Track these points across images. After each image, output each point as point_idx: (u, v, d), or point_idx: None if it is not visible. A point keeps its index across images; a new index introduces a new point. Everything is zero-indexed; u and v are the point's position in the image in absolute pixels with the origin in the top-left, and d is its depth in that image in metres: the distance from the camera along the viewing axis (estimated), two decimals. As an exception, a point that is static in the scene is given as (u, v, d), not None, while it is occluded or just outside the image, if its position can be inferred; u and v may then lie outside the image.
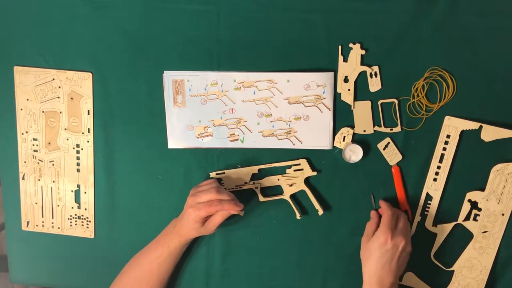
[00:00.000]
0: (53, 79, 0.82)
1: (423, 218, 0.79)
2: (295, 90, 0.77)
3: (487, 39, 0.74)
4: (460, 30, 0.74)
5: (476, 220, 0.77)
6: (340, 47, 0.76)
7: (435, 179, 0.77)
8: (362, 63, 0.76)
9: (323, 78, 0.76)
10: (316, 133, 0.78)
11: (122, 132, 0.83)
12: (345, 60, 0.76)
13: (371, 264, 0.71)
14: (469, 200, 0.77)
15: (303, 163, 0.79)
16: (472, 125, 0.75)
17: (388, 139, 0.78)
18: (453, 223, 0.78)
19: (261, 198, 0.81)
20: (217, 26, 0.78)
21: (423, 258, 0.80)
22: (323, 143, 0.79)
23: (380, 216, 0.75)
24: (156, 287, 0.78)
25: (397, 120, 0.77)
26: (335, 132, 0.78)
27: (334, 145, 0.79)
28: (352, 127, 0.78)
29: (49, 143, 0.84)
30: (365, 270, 0.72)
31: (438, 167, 0.77)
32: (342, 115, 0.78)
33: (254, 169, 0.80)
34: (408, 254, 0.73)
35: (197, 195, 0.73)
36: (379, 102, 0.77)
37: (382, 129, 0.77)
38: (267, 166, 0.80)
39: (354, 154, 0.78)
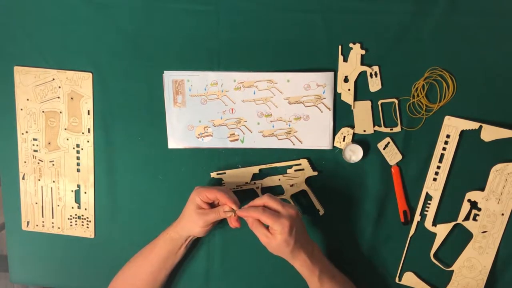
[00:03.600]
0: (53, 79, 0.82)
1: (423, 218, 0.79)
2: (295, 90, 0.77)
3: (487, 39, 0.74)
4: (460, 30, 0.74)
5: (476, 220, 0.77)
6: (340, 47, 0.76)
7: (435, 179, 0.77)
8: (362, 63, 0.76)
9: (323, 78, 0.76)
10: (316, 133, 0.78)
11: (122, 132, 0.83)
12: (345, 60, 0.76)
13: (290, 249, 0.69)
14: (469, 200, 0.77)
15: (304, 163, 0.79)
16: (472, 125, 0.75)
17: (388, 139, 0.78)
18: (453, 223, 0.78)
19: (261, 198, 0.81)
20: (217, 26, 0.78)
21: (423, 258, 0.80)
22: (323, 143, 0.79)
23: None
24: (150, 284, 0.78)
25: (397, 120, 0.77)
26: (335, 132, 0.78)
27: (334, 145, 0.79)
28: (352, 127, 0.78)
29: (49, 143, 0.84)
30: (291, 257, 0.71)
31: (438, 167, 0.77)
32: (342, 115, 0.78)
33: (255, 169, 0.81)
34: (295, 220, 0.69)
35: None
36: (379, 102, 0.77)
37: (382, 129, 0.77)
38: (268, 166, 0.80)
39: (354, 154, 0.78)
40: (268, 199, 0.70)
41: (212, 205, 0.75)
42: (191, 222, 0.74)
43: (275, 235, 0.68)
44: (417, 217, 0.79)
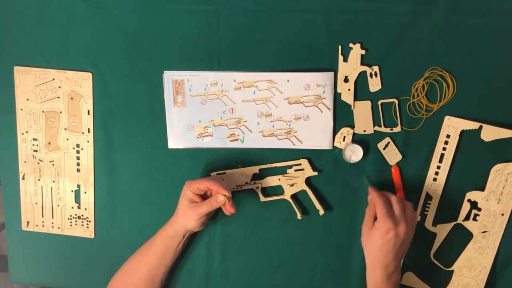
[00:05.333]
0: (53, 79, 0.82)
1: (423, 218, 0.79)
2: (295, 90, 0.77)
3: (487, 39, 0.74)
4: (460, 30, 0.74)
5: (476, 220, 0.77)
6: (340, 47, 0.76)
7: (435, 179, 0.77)
8: (362, 63, 0.76)
9: (323, 78, 0.76)
10: (316, 133, 0.78)
11: (122, 132, 0.83)
12: (345, 60, 0.76)
13: (374, 253, 0.70)
14: (469, 200, 0.77)
15: (304, 163, 0.79)
16: (472, 125, 0.75)
17: (388, 139, 0.78)
18: (453, 223, 0.78)
19: (262, 198, 0.81)
20: (217, 26, 0.78)
21: (423, 258, 0.80)
22: (323, 143, 0.79)
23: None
24: (149, 283, 0.78)
25: (397, 120, 0.77)
26: (335, 132, 0.78)
27: (334, 145, 0.79)
28: (352, 127, 0.78)
29: (49, 143, 0.84)
30: (368, 258, 0.71)
31: (438, 167, 0.77)
32: (342, 115, 0.78)
33: (255, 169, 0.81)
34: (411, 237, 0.71)
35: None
36: (379, 102, 0.77)
37: (382, 129, 0.77)
38: (268, 166, 0.80)
39: (354, 154, 0.78)
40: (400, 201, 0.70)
41: (204, 196, 0.76)
42: (186, 217, 0.74)
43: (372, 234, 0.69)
44: (417, 217, 0.79)
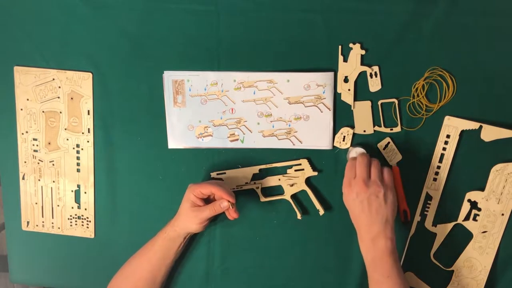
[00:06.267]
0: (53, 79, 0.82)
1: (423, 218, 0.79)
2: (295, 90, 0.77)
3: (487, 39, 0.74)
4: (460, 30, 0.74)
5: (476, 220, 0.77)
6: (340, 47, 0.76)
7: (435, 179, 0.77)
8: (362, 63, 0.76)
9: (323, 78, 0.76)
10: (316, 133, 0.78)
11: (122, 132, 0.83)
12: (345, 60, 0.76)
13: (350, 213, 0.73)
14: (469, 200, 0.77)
15: (304, 163, 0.79)
16: (472, 125, 0.75)
17: (388, 139, 0.78)
18: (453, 223, 0.78)
19: (262, 198, 0.81)
20: (217, 26, 0.78)
21: (423, 258, 0.80)
22: (323, 143, 0.79)
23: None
24: (149, 283, 0.78)
25: (397, 120, 0.77)
26: (335, 132, 0.78)
27: (334, 145, 0.79)
28: (352, 127, 0.78)
29: (49, 143, 0.84)
30: (353, 221, 0.74)
31: (438, 167, 0.77)
32: (342, 115, 0.78)
33: (255, 169, 0.81)
34: (388, 198, 0.71)
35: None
36: (379, 102, 0.77)
37: (382, 129, 0.77)
38: (268, 166, 0.80)
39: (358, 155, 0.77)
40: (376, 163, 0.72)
41: (207, 200, 0.76)
42: (188, 220, 0.74)
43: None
44: (417, 217, 0.79)
